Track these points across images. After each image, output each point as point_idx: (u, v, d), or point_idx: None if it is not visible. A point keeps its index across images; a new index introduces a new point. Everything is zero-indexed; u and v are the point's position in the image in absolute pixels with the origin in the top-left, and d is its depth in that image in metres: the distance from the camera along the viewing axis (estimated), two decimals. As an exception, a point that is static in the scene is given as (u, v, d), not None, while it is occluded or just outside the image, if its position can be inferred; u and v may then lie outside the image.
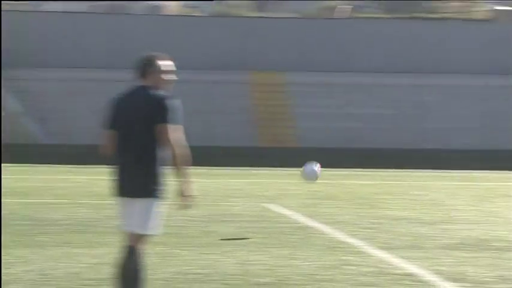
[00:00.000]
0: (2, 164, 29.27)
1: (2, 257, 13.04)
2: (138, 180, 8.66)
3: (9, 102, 44.22)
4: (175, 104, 8.70)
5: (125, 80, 43.70)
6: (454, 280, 11.91)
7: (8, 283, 11.13)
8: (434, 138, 45.93)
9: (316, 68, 47.53)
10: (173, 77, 9.00)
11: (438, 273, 12.49)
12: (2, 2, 15.96)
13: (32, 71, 45.23)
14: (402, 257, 13.92)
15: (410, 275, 12.40)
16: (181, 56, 46.66)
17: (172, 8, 70.16)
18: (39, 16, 54.71)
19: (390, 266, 13.14)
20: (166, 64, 8.94)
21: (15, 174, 30.30)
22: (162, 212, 8.81)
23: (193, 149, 10.98)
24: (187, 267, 12.53)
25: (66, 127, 43.51)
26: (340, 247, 15.05)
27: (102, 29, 50.18)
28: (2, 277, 11.50)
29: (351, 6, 63.36)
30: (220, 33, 50.54)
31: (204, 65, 47.02)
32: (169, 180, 8.68)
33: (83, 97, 44.89)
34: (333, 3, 64.37)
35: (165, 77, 8.88)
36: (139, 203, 8.66)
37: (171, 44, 48.70)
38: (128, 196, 8.73)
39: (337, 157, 40.34)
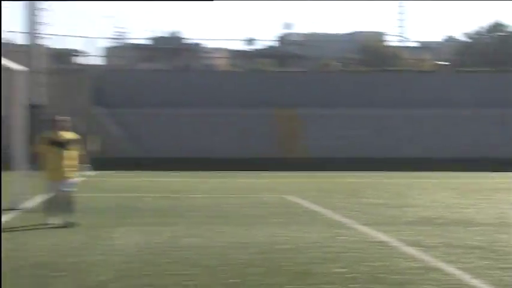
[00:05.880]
0: (109, 171, 29.50)
1: (108, 232, 13.43)
2: None
3: (114, 130, 44.59)
4: None
5: (193, 115, 44.56)
6: (412, 245, 12.06)
7: (114, 250, 11.31)
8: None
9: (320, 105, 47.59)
10: None
11: (401, 240, 12.66)
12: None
13: (131, 109, 45.63)
14: (377, 230, 14.05)
15: (382, 242, 12.56)
16: (228, 97, 47.35)
17: (219, 63, 70.53)
18: (135, 72, 55.27)
19: (369, 236, 13.28)
20: None
21: (116, 177, 30.52)
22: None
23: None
24: (235, 238, 12.72)
25: (150, 146, 43.84)
26: (336, 224, 15.16)
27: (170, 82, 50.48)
28: (108, 246, 11.83)
29: (341, 63, 63.66)
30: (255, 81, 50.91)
31: (242, 103, 47.13)
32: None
33: (161, 125, 45.20)
34: (328, 60, 64.59)
35: None
36: None
37: (218, 88, 49.05)
38: None
39: (335, 163, 40.50)
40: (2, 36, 50.55)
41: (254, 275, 9.31)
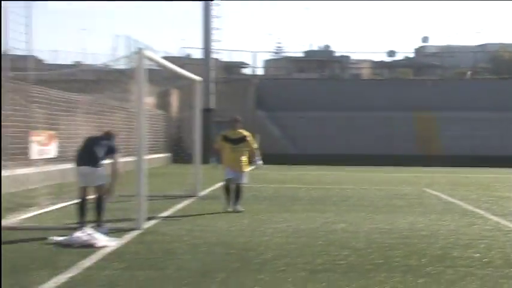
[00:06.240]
0: (270, 165, 29.72)
1: (271, 217, 13.56)
2: None
3: (274, 130, 45.04)
4: None
5: (341, 118, 44.40)
6: (541, 234, 11.55)
7: (276, 233, 11.41)
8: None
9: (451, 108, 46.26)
10: None
11: (531, 230, 12.15)
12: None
13: (287, 113, 45.95)
14: (508, 220, 13.54)
15: (513, 231, 12.10)
16: (371, 102, 46.89)
17: (364, 73, 69.83)
18: (291, 81, 55.57)
19: (501, 225, 12.80)
20: None
21: (276, 170, 30.84)
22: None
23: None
24: (380, 225, 12.58)
25: (305, 144, 43.99)
26: (470, 214, 14.72)
27: (321, 89, 50.56)
28: (271, 229, 11.93)
29: (471, 71, 61.56)
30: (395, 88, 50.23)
31: (385, 107, 46.52)
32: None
33: (313, 126, 45.22)
34: (461, 69, 62.70)
35: None
36: None
37: (365, 95, 48.64)
38: None
39: (467, 160, 39.35)
40: (182, 53, 52.34)
41: (397, 257, 9.15)
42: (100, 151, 11.33)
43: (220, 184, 18.64)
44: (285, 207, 15.43)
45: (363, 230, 11.82)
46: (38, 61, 38.77)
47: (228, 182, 14.70)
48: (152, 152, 32.06)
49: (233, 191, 14.68)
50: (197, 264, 8.47)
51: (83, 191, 11.34)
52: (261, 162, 15.26)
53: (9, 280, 7.41)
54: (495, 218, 13.91)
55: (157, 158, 34.77)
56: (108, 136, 11.73)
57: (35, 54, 23.79)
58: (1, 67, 14.31)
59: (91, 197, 11.43)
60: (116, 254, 9.17)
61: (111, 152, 11.42)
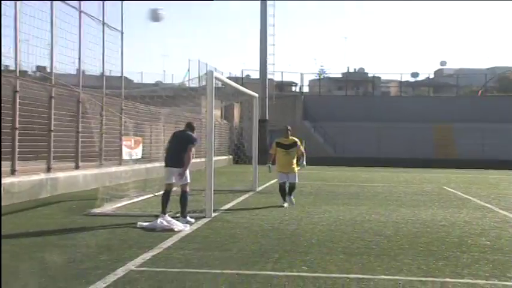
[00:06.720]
0: (314, 166, 29.49)
1: (316, 209, 13.44)
2: None
3: (317, 137, 44.79)
4: None
5: (373, 127, 43.83)
6: (543, 226, 11.17)
7: (320, 222, 11.30)
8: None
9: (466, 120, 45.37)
10: None
11: (534, 222, 11.77)
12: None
13: (329, 122, 45.68)
14: (515, 214, 13.20)
15: (519, 223, 11.75)
16: (398, 115, 46.31)
17: (392, 91, 68.71)
18: (332, 97, 55.15)
19: (509, 218, 12.44)
20: None
21: (319, 170, 30.64)
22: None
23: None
24: (406, 216, 12.36)
25: (343, 149, 43.65)
26: (482, 208, 14.36)
27: (357, 104, 50.19)
28: (316, 218, 11.83)
29: (482, 89, 60.00)
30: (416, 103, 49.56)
31: (409, 119, 45.93)
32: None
33: (350, 134, 44.79)
34: (473, 88, 61.23)
35: None
36: None
37: (391, 108, 48.04)
38: None
39: (479, 163, 38.46)
40: (243, 74, 52.47)
41: (420, 243, 8.98)
42: (181, 147, 10.93)
43: (273, 181, 18.60)
44: (327, 201, 15.29)
45: (391, 220, 11.64)
46: (128, 81, 39.34)
47: (283, 184, 14.44)
48: (218, 154, 32.19)
49: (287, 188, 14.47)
50: (255, 247, 8.44)
51: (168, 186, 11.27)
52: (304, 163, 14.99)
53: (105, 256, 7.52)
54: (503, 212, 13.53)
55: (222, 159, 34.91)
56: (188, 126, 11.46)
57: (126, 75, 24.13)
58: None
59: (174, 189, 11.37)
60: (190, 237, 9.22)
61: (188, 142, 10.95)
